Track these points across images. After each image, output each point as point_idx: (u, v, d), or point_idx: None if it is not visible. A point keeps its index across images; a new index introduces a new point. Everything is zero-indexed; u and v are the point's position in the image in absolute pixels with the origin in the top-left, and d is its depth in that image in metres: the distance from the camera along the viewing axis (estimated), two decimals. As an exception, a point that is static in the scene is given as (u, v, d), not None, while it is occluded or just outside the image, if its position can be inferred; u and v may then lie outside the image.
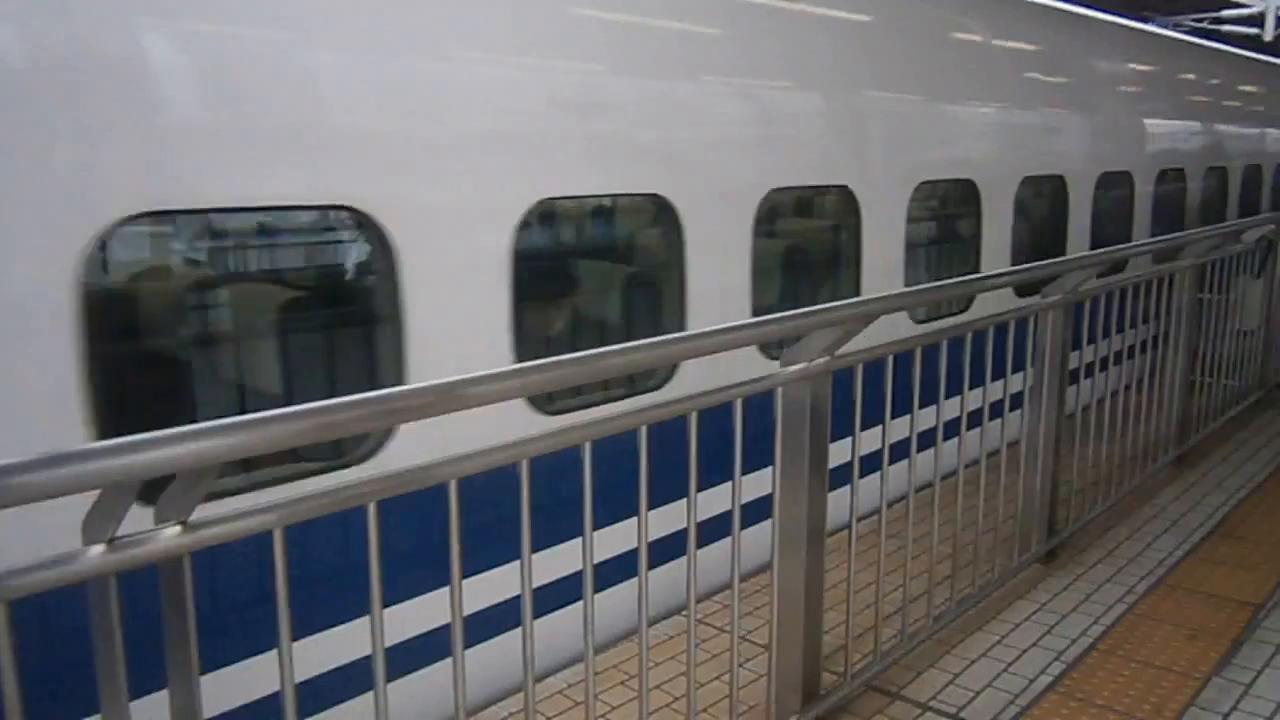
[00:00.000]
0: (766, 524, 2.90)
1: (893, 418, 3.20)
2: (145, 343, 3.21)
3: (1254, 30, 18.02)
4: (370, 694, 1.97)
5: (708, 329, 2.65)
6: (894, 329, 3.37)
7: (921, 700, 3.33)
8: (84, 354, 2.72)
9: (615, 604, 3.14)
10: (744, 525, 2.75)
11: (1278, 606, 3.95)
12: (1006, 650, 3.65)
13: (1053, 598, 4.06)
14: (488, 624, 3.25)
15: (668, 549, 2.87)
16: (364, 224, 3.32)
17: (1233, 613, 3.91)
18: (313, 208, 3.34)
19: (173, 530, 1.64)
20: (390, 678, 1.99)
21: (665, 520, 2.74)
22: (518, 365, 2.27)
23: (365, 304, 3.63)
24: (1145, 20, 10.19)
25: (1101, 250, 4.79)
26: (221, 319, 3.42)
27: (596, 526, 2.36)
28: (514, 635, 2.27)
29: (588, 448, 2.28)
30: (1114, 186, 7.79)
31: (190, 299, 3.35)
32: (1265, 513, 5.00)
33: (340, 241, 3.58)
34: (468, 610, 2.11)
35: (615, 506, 2.72)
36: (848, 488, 3.13)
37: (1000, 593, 4.01)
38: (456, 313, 3.55)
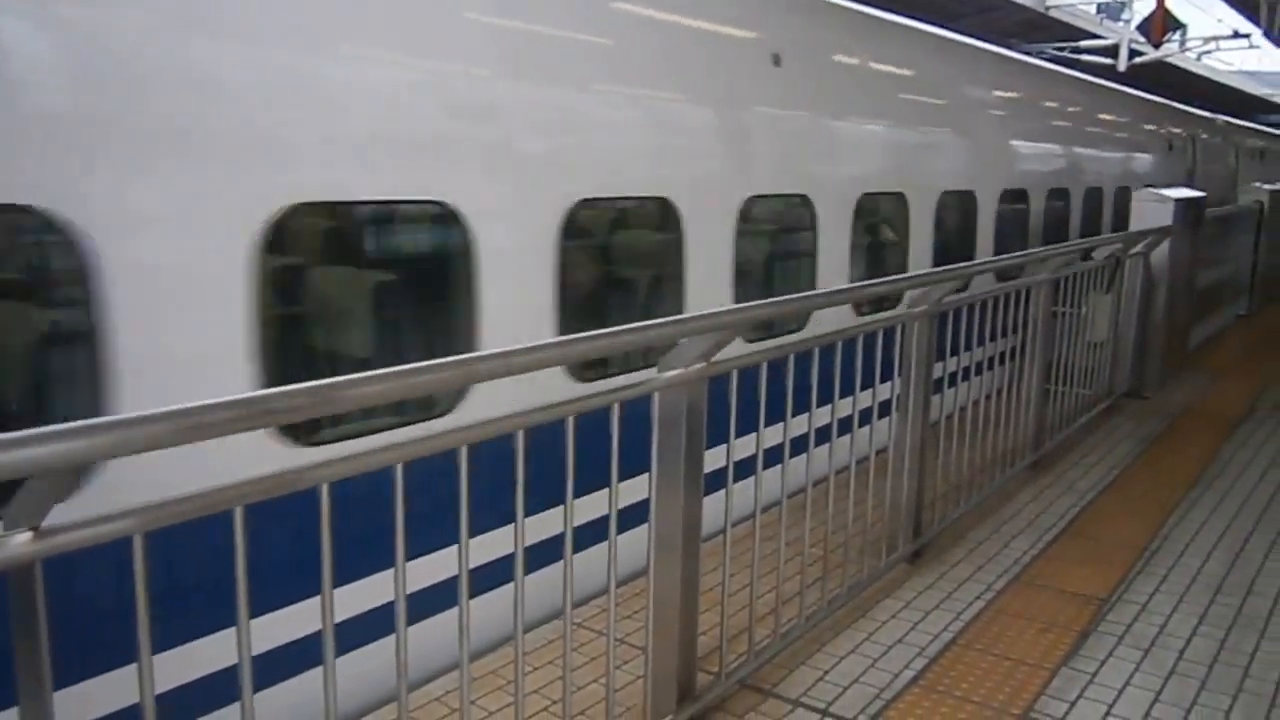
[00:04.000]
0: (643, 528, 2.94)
1: (767, 425, 3.29)
2: None
3: (1109, 60, 19.21)
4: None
5: (585, 334, 2.68)
6: None
7: (792, 697, 3.43)
8: None
9: (493, 608, 3.14)
10: (621, 529, 2.80)
11: (1120, 601, 4.22)
12: (873, 646, 3.80)
13: (917, 596, 4.24)
14: (363, 630, 3.20)
15: (546, 554, 2.89)
16: None
17: (1081, 607, 4.16)
18: None
19: (23, 536, 1.58)
20: (260, 685, 1.95)
21: (543, 525, 2.75)
22: (395, 368, 2.22)
23: None
24: (1009, 47, 10.71)
25: (965, 264, 5.01)
26: None
27: (481, 529, 2.36)
28: (389, 642, 2.25)
29: (464, 451, 2.29)
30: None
31: None
32: (1112, 513, 5.33)
33: None
34: (341, 616, 2.09)
35: (493, 510, 2.72)
36: (723, 493, 3.21)
37: (868, 592, 4.16)
38: None
